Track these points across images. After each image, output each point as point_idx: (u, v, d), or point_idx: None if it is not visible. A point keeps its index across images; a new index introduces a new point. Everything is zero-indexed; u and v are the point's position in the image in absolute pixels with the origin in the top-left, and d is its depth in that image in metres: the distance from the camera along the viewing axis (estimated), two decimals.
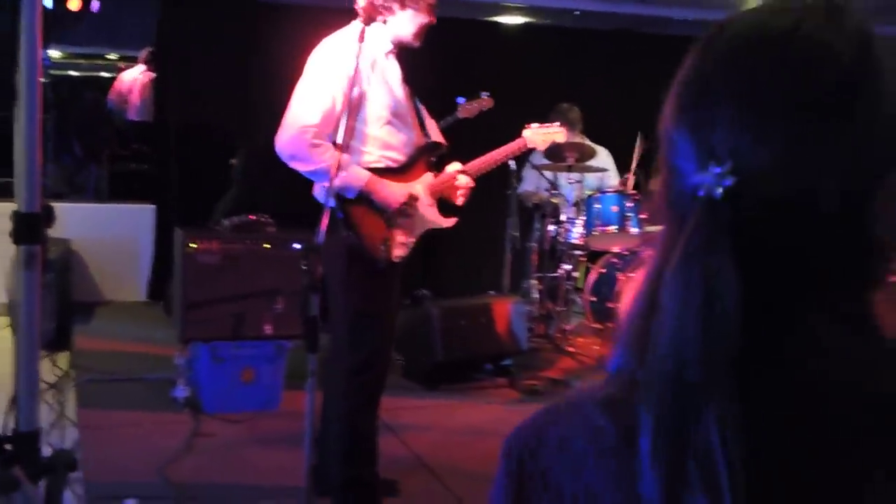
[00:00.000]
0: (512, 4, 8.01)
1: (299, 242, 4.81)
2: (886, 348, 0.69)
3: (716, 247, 0.65)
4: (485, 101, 5.54)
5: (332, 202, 3.27)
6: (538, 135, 3.74)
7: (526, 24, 8.58)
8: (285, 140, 3.18)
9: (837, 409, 0.66)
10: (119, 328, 6.27)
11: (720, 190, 0.66)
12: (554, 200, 6.23)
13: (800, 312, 0.69)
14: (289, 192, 6.54)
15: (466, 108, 5.50)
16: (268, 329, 4.73)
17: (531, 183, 6.75)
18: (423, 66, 3.47)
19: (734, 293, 0.65)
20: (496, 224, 6.38)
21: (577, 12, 8.02)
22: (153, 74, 8.07)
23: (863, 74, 0.68)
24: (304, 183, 5.85)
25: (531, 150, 5.23)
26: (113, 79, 9.30)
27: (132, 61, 9.26)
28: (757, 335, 0.66)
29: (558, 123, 3.83)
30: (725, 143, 0.68)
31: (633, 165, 6.59)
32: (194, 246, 4.65)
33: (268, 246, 4.79)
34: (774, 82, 0.68)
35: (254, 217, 4.94)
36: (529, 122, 6.58)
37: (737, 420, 0.63)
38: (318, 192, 3.39)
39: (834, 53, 0.68)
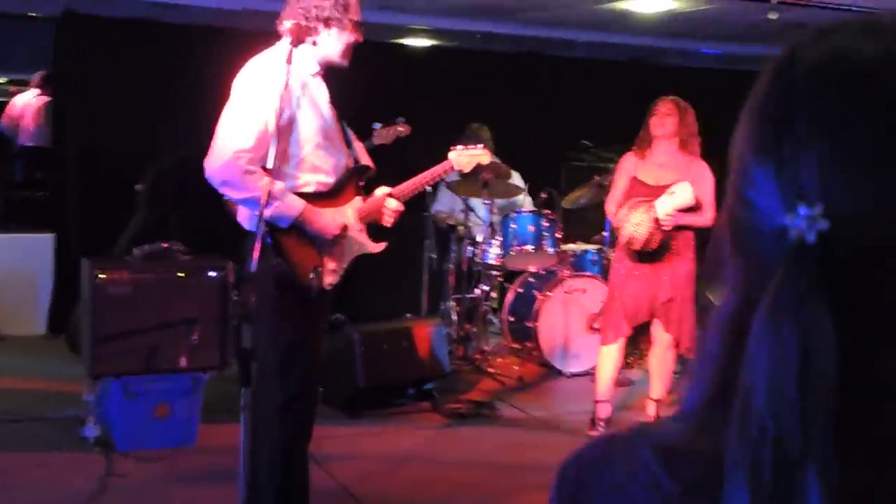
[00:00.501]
0: (417, 27, 8.01)
1: (215, 270, 4.66)
2: None
3: (810, 299, 0.60)
4: (401, 127, 5.51)
5: (262, 229, 3.19)
6: (463, 156, 3.70)
7: (433, 47, 8.60)
8: (217, 166, 3.05)
9: None
10: (19, 364, 5.94)
11: (813, 235, 0.61)
12: (469, 223, 6.22)
13: None
14: (199, 217, 6.47)
15: (381, 134, 5.46)
16: (183, 361, 4.54)
17: (445, 203, 6.74)
18: (331, 89, 3.40)
19: (831, 352, 0.60)
20: (412, 246, 6.34)
21: (478, 35, 8.08)
22: (48, 98, 7.75)
23: None
24: (215, 208, 5.75)
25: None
26: (3, 103, 8.88)
27: (23, 85, 8.87)
28: (853, 398, 0.62)
29: (482, 146, 3.80)
30: (815, 183, 0.63)
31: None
32: (103, 276, 4.44)
33: (182, 274, 4.61)
34: (869, 118, 0.63)
35: (166, 244, 4.75)
36: (440, 143, 6.62)
37: (837, 491, 0.59)
38: (245, 218, 3.27)
39: None
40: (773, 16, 6.43)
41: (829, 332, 0.60)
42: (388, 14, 7.34)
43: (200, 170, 6.92)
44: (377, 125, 5.44)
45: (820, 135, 0.64)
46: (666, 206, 4.50)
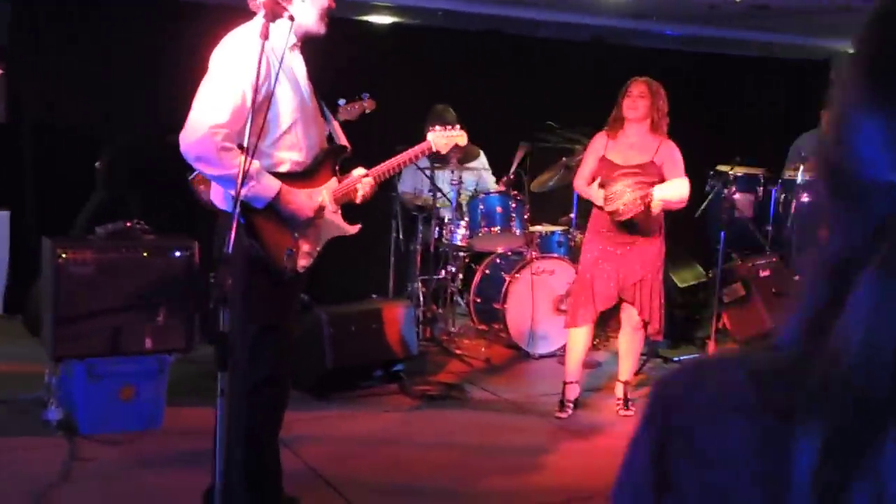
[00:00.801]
0: (380, 3, 7.91)
1: (180, 250, 4.57)
2: None
3: None
4: (366, 102, 5.45)
5: (237, 210, 3.11)
6: (441, 138, 3.67)
7: (395, 24, 8.50)
8: (192, 141, 2.97)
9: None
10: None
11: None
12: (439, 204, 6.18)
13: None
14: (158, 196, 6.35)
15: (347, 109, 5.39)
16: (148, 343, 4.46)
17: (408, 184, 6.69)
18: (308, 63, 3.33)
19: None
20: (378, 227, 6.28)
21: (440, 13, 8.01)
22: (2, 72, 7.52)
23: None
24: (177, 185, 5.64)
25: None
26: None
27: None
28: None
29: (459, 127, 3.76)
30: None
31: (513, 168, 6.62)
32: (66, 256, 4.32)
33: (146, 254, 4.51)
34: None
35: (129, 224, 4.64)
36: (404, 121, 6.59)
37: None
38: (219, 197, 3.20)
39: None
40: None
41: None
42: None
43: (159, 147, 6.80)
44: (342, 101, 5.37)
45: None
46: (660, 193, 4.52)
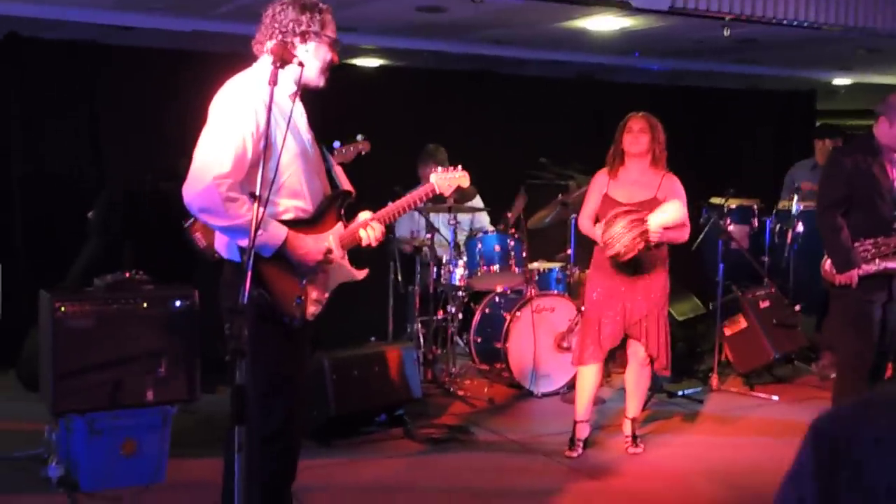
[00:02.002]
0: (366, 47, 7.94)
1: (181, 299, 4.51)
2: None
3: None
4: (361, 144, 5.43)
5: (238, 257, 3.07)
6: (444, 180, 3.64)
7: (382, 67, 8.53)
8: (196, 192, 2.93)
9: None
10: None
11: None
12: (437, 245, 6.15)
13: None
14: (155, 243, 6.29)
15: (342, 152, 5.36)
16: (150, 395, 4.38)
17: (405, 227, 6.67)
18: (308, 111, 3.32)
19: None
20: (376, 269, 6.22)
21: (426, 54, 8.05)
22: None
23: None
24: (172, 233, 5.58)
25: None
26: None
27: None
28: None
29: (461, 167, 3.74)
30: None
31: (514, 216, 6.54)
32: (64, 309, 4.25)
33: (146, 304, 4.44)
34: None
35: (128, 274, 4.58)
36: (395, 163, 6.59)
37: None
38: (223, 246, 3.16)
39: None
40: (726, 32, 6.50)
41: None
42: (338, 34, 7.25)
43: (153, 195, 6.75)
44: (337, 143, 5.35)
45: None
46: (657, 222, 4.50)
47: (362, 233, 3.33)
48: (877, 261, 4.92)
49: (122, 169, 6.71)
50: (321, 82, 3.21)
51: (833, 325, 5.46)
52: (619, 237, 4.48)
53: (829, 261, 5.04)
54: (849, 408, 0.75)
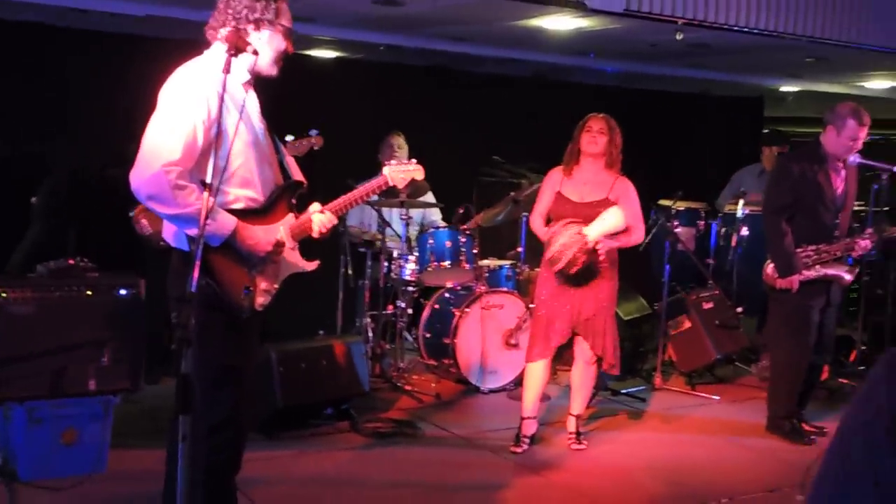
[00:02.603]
0: (322, 38, 7.89)
1: (126, 288, 4.45)
2: None
3: None
4: (314, 139, 5.41)
5: (186, 245, 3.04)
6: (398, 172, 3.63)
7: (338, 59, 8.48)
8: (144, 178, 2.88)
9: None
10: None
11: None
12: (388, 240, 6.15)
13: None
14: (100, 230, 6.18)
15: (294, 146, 5.34)
16: (92, 384, 4.31)
17: (355, 217, 6.66)
18: (261, 100, 3.30)
19: None
20: (326, 262, 6.19)
21: (382, 47, 8.03)
22: None
23: None
24: (117, 220, 5.50)
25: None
26: None
27: None
28: None
29: (415, 161, 3.74)
30: None
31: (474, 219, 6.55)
32: (5, 295, 4.17)
33: (90, 292, 4.38)
34: None
35: (72, 261, 4.50)
36: (348, 156, 6.57)
37: None
38: (170, 235, 3.12)
39: None
40: (679, 36, 6.59)
41: None
42: (295, 25, 7.19)
43: (98, 182, 6.63)
44: (290, 137, 5.32)
45: None
46: (596, 232, 4.54)
47: (314, 219, 3.32)
48: (817, 267, 5.05)
49: (69, 154, 6.58)
50: (274, 71, 3.19)
51: (771, 328, 5.58)
52: (560, 253, 4.52)
53: (771, 264, 5.15)
54: None
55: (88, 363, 4.30)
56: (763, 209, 5.38)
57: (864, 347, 6.78)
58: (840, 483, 0.79)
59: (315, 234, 3.36)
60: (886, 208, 5.23)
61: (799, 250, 5.04)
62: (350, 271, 6.05)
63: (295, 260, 3.32)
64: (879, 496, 0.75)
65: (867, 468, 0.77)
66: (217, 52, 3.06)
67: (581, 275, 4.63)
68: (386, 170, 3.62)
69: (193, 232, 2.88)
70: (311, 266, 3.39)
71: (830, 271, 5.07)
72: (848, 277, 5.12)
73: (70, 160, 6.60)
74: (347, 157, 6.57)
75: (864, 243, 5.07)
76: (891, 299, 6.59)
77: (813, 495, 0.81)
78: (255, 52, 2.99)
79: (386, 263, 6.18)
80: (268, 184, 3.21)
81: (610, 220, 4.57)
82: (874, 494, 0.75)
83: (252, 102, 3.20)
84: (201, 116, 2.93)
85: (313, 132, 5.41)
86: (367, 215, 6.68)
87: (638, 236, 4.78)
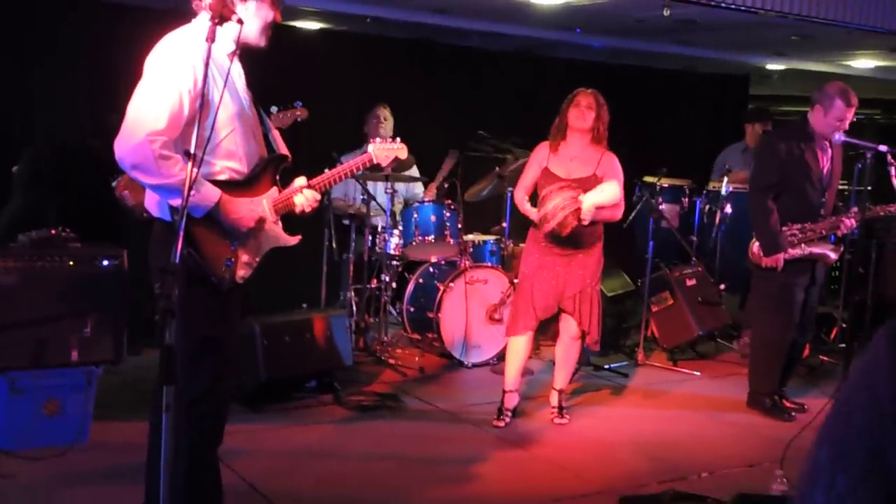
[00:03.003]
0: (307, 8, 7.82)
1: (109, 259, 4.43)
2: None
3: None
4: (299, 111, 5.37)
5: (169, 216, 3.02)
6: (382, 150, 3.63)
7: (323, 30, 8.41)
8: (128, 147, 2.86)
9: None
10: None
11: None
12: (373, 213, 6.14)
13: None
14: (82, 201, 6.13)
15: (279, 117, 5.30)
16: (74, 355, 4.30)
17: (339, 190, 6.63)
18: (247, 71, 3.27)
19: None
20: (310, 235, 6.18)
21: (368, 19, 7.97)
22: None
23: None
24: (99, 191, 5.46)
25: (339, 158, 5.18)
26: None
27: None
28: None
29: (399, 140, 3.73)
30: None
31: (441, 177, 6.63)
32: None
33: (73, 263, 4.35)
34: None
35: (55, 231, 4.47)
36: (333, 128, 6.54)
37: None
38: (153, 205, 3.10)
39: None
40: (666, 12, 6.57)
41: None
42: None
43: (81, 152, 6.56)
44: (274, 108, 5.29)
45: None
46: (591, 201, 4.55)
47: (297, 199, 3.31)
48: (802, 245, 5.07)
49: (51, 123, 6.51)
50: (262, 42, 3.16)
51: (753, 305, 5.62)
52: (552, 214, 4.52)
53: (756, 243, 5.17)
54: None
55: (71, 334, 4.29)
56: (749, 187, 5.40)
57: (844, 325, 6.84)
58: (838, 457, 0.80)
59: (297, 212, 3.35)
60: (870, 188, 5.26)
61: (784, 229, 5.06)
62: (334, 245, 6.04)
63: (277, 234, 3.31)
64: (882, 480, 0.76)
65: (869, 449, 0.78)
66: (203, 21, 3.02)
67: (569, 239, 4.63)
68: (371, 147, 3.62)
69: (177, 202, 2.87)
70: (294, 240, 3.37)
71: (816, 250, 5.10)
72: (833, 256, 5.15)
73: (51, 130, 6.53)
74: (332, 128, 6.54)
75: (850, 222, 5.10)
76: (872, 278, 6.64)
77: (806, 486, 0.82)
78: (240, 21, 2.96)
79: (370, 237, 6.17)
80: (252, 156, 3.20)
81: (608, 192, 4.59)
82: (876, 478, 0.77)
83: (237, 73, 3.17)
84: (187, 86, 2.91)
85: (298, 104, 5.38)
86: (351, 188, 6.66)
87: (619, 212, 4.79)
